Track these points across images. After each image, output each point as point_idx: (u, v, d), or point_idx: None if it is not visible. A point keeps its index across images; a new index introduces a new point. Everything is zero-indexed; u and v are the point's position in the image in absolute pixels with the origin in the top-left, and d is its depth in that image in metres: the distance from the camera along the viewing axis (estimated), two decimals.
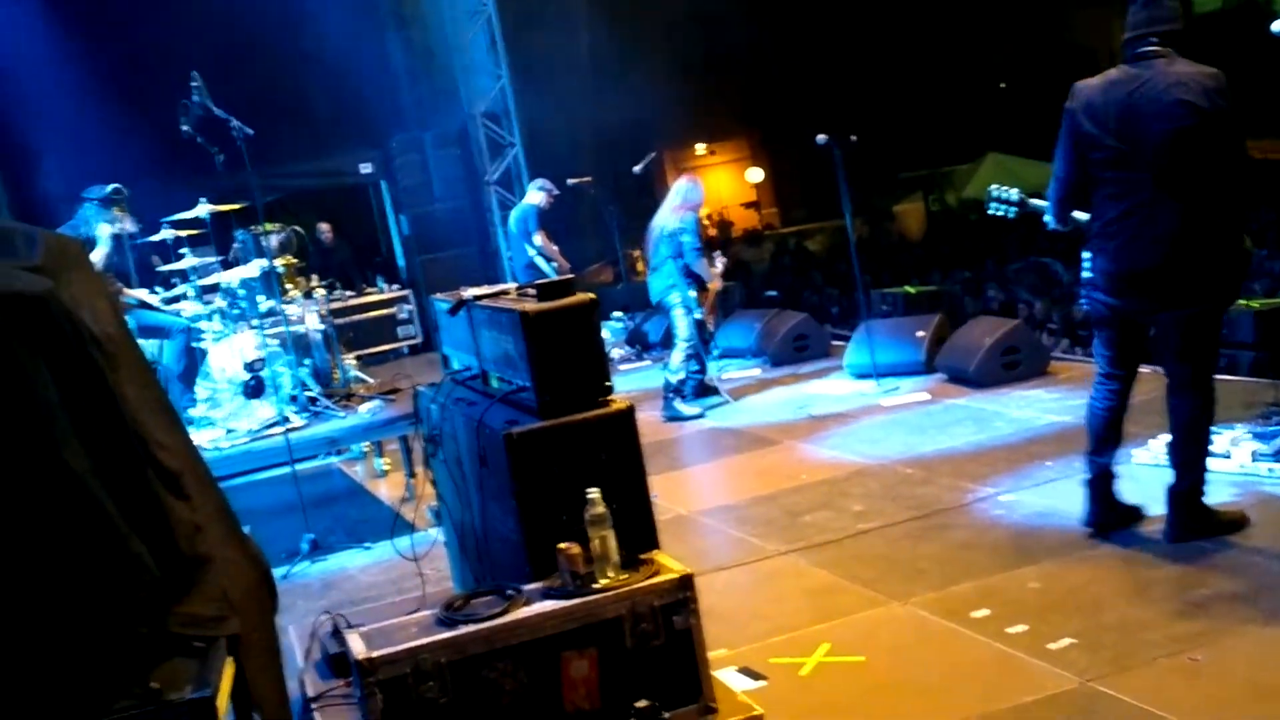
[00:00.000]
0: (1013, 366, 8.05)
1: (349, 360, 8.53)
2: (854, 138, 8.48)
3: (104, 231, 7.32)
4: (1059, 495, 5.47)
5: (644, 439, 3.67)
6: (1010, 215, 5.15)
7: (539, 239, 10.67)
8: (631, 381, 10.18)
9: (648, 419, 8.26)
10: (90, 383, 2.95)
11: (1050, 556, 4.77)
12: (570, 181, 11.45)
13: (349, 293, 13.27)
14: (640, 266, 13.02)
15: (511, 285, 4.29)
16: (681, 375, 8.63)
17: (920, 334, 8.86)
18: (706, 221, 8.92)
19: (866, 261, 9.31)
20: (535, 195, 10.89)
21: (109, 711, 2.76)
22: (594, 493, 3.26)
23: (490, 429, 3.66)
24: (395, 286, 13.87)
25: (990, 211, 5.18)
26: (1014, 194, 5.12)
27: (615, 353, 11.38)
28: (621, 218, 11.57)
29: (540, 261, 10.65)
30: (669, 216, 8.63)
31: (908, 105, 23.75)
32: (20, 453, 2.81)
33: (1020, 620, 4.19)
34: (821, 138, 8.34)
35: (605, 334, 8.95)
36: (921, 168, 26.13)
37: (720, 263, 9.10)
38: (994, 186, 5.23)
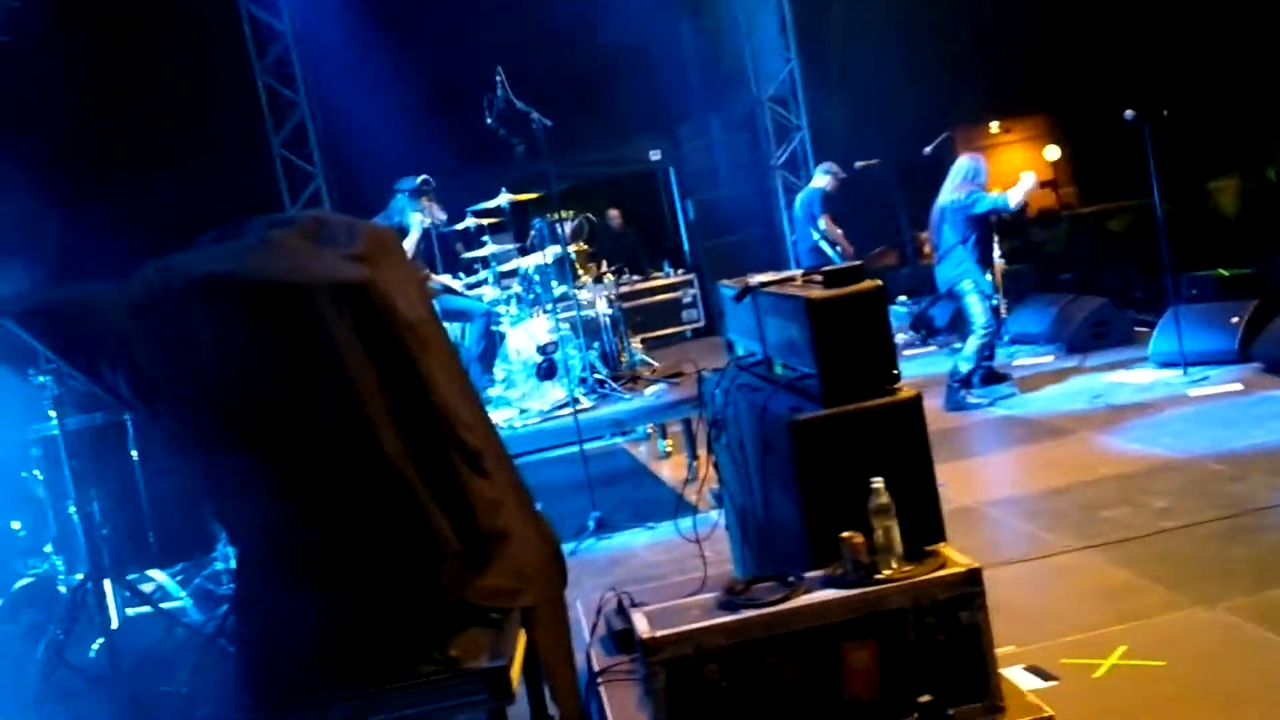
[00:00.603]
0: None
1: (635, 343, 8.72)
2: (1165, 111, 7.98)
3: (415, 220, 7.77)
4: None
5: (930, 427, 3.60)
6: None
7: (824, 223, 10.59)
8: (917, 367, 9.98)
9: (933, 407, 8.07)
10: (404, 365, 3.13)
11: None
12: (857, 165, 11.30)
13: (636, 277, 13.55)
14: (927, 249, 12.71)
15: (797, 272, 4.27)
16: (972, 365, 8.37)
17: (1234, 320, 8.27)
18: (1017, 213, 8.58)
19: (1175, 242, 8.74)
20: (821, 179, 10.82)
21: (413, 676, 2.94)
22: (878, 482, 3.22)
23: (774, 415, 3.67)
24: (681, 271, 14.06)
25: None
26: None
27: (900, 337, 11.17)
28: (909, 201, 11.33)
29: (825, 246, 10.57)
30: (950, 196, 8.38)
31: (1225, 75, 22.12)
32: (339, 430, 3.02)
33: None
34: (1129, 113, 7.89)
35: (889, 318, 8.79)
36: (1240, 141, 24.29)
37: (998, 250, 8.76)
38: None
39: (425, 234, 7.99)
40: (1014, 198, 8.19)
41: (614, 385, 7.51)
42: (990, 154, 9.54)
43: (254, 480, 3.01)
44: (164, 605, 5.29)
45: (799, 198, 11.11)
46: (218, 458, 3.03)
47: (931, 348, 11.08)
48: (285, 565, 3.01)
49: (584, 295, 8.00)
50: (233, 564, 5.23)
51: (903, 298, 12.10)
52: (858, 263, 3.86)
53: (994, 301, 8.33)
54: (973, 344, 8.34)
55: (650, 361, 8.60)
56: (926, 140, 10.68)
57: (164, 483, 5.01)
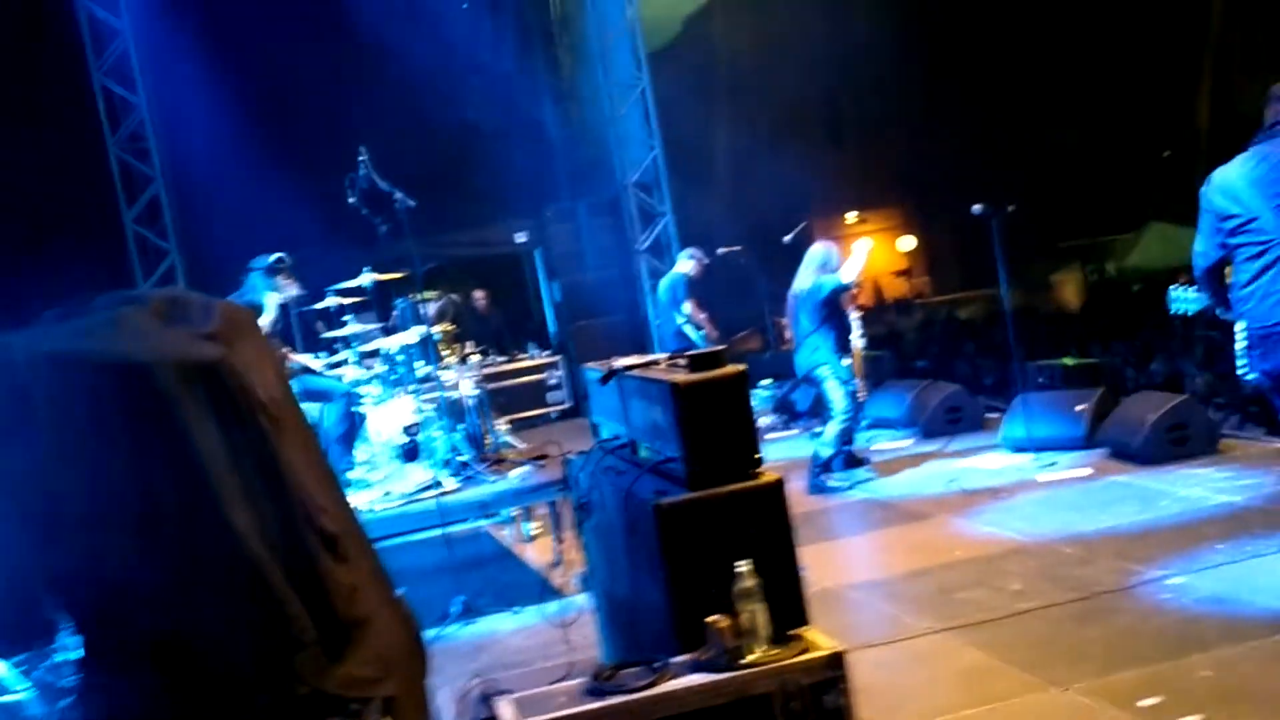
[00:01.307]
0: (1180, 443, 7.74)
1: (500, 425, 8.66)
2: (1011, 207, 8.32)
3: (270, 300, 7.62)
4: (1231, 580, 5.21)
5: (793, 510, 3.63)
6: (1191, 313, 5.08)
7: (688, 307, 10.72)
8: (779, 451, 10.08)
9: (796, 490, 8.16)
10: (257, 446, 3.04)
11: (1224, 643, 4.53)
12: (720, 250, 11.51)
13: (502, 358, 13.52)
14: (788, 334, 12.96)
15: (662, 355, 4.31)
16: (833, 450, 8.50)
17: (1080, 407, 8.58)
18: (856, 290, 8.76)
19: (1022, 331, 9.07)
20: (685, 264, 10.97)
21: None
22: (744, 565, 3.23)
23: (639, 499, 3.67)
24: (546, 353, 14.09)
25: (1173, 312, 5.11)
26: (1193, 296, 5.07)
27: (763, 421, 11.31)
28: (771, 287, 11.55)
29: (689, 330, 10.70)
30: (806, 280, 8.55)
31: (1067, 174, 23.26)
32: (189, 513, 2.92)
33: (1193, 710, 3.99)
34: (977, 208, 8.20)
35: (752, 402, 8.91)
36: (1081, 237, 25.50)
37: (859, 326, 8.97)
38: (1174, 288, 5.16)
39: (283, 311, 7.85)
40: (847, 272, 8.42)
41: (479, 467, 7.43)
42: (846, 243, 9.79)
43: (97, 566, 2.89)
44: (2, 699, 5.00)
45: (663, 282, 11.25)
46: (57, 543, 2.90)
47: (794, 431, 11.23)
48: (133, 655, 2.88)
49: (448, 376, 7.92)
50: (76, 654, 4.97)
51: (766, 381, 12.28)
52: (721, 347, 3.92)
53: (852, 387, 8.49)
54: (832, 429, 8.48)
55: (516, 444, 8.54)
56: (787, 228, 10.94)
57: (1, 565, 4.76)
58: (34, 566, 2.98)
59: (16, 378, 2.91)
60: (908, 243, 30.34)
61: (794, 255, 9.37)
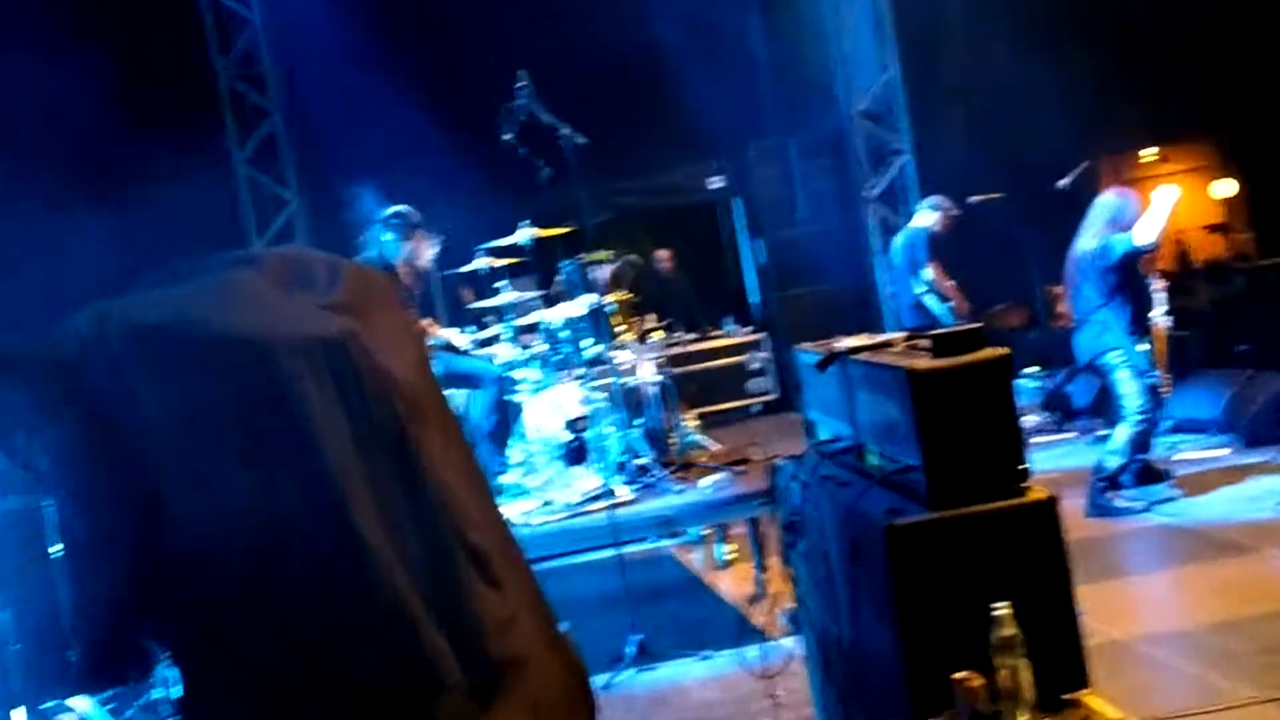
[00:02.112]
0: None
1: (688, 421, 8.72)
2: None
3: (405, 260, 7.84)
4: None
5: (1069, 537, 3.56)
6: None
7: (930, 272, 10.59)
8: (1050, 459, 9.90)
9: (1073, 510, 8.00)
10: (394, 444, 3.13)
11: None
12: (974, 199, 11.33)
13: (691, 335, 13.62)
14: (1062, 308, 12.66)
15: (897, 335, 4.27)
16: (1123, 461, 8.27)
17: None
18: (1158, 252, 8.49)
19: None
20: (927, 217, 10.85)
21: None
22: (1002, 609, 3.17)
23: (866, 519, 3.64)
24: (747, 330, 14.14)
25: None
26: None
27: (1028, 420, 11.11)
28: (1041, 246, 11.31)
29: (931, 301, 10.58)
30: (1091, 240, 8.34)
31: None
32: (310, 524, 3.01)
33: None
34: None
35: (1016, 396, 8.75)
36: None
37: (1161, 299, 8.70)
38: None
39: (420, 278, 8.05)
40: (1145, 229, 8.11)
41: (661, 473, 7.50)
42: (1143, 190, 9.49)
43: (201, 586, 3.01)
44: None
45: (898, 240, 11.15)
46: (155, 555, 3.03)
47: (1069, 434, 11.01)
48: (242, 694, 2.99)
49: (624, 358, 8.03)
50: (176, 691, 5.22)
51: (1032, 369, 12.06)
52: (975, 324, 3.85)
53: (1151, 379, 8.25)
54: (1124, 433, 8.26)
55: (708, 444, 8.59)
56: (1063, 170, 10.69)
57: (90, 585, 5.01)
58: (127, 584, 3.13)
59: (110, 354, 3.04)
60: (1224, 188, 29.28)
61: (1073, 206, 9.15)
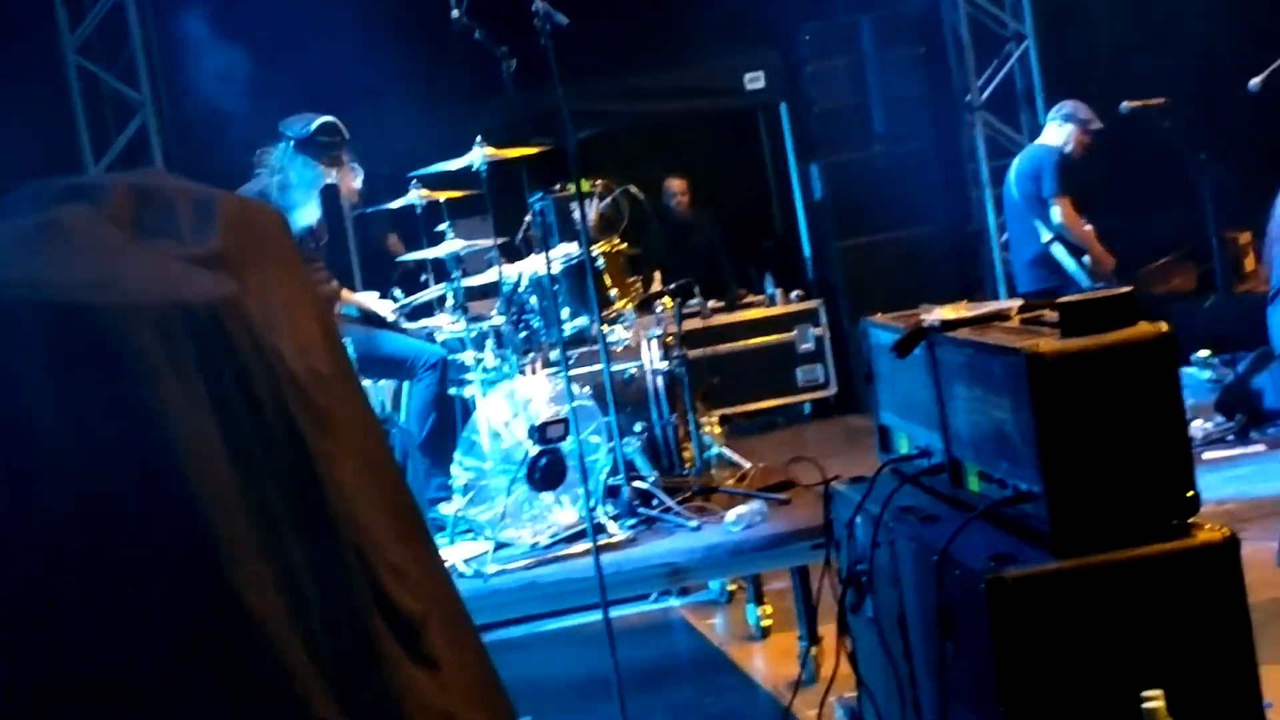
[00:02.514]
0: None
1: (709, 427, 8.69)
2: None
3: (311, 195, 7.82)
4: None
5: (1255, 596, 3.57)
6: None
7: (1061, 211, 10.53)
8: (1228, 482, 9.86)
9: (1260, 556, 7.98)
10: (283, 456, 3.13)
11: None
12: (1125, 106, 11.30)
13: (713, 304, 13.56)
14: (1250, 265, 12.58)
15: (1010, 303, 4.27)
16: None
17: None
18: None
19: None
20: (1057, 132, 10.80)
21: None
22: (1155, 698, 3.18)
23: (963, 569, 3.65)
24: (795, 295, 14.05)
25: None
26: None
27: (1197, 426, 11.08)
28: (1221, 173, 11.28)
29: (1061, 254, 10.53)
30: None
31: None
32: (159, 564, 3.01)
33: None
34: None
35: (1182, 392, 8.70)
36: None
37: None
38: None
39: (334, 215, 8.03)
40: None
41: (668, 501, 7.49)
42: None
43: (14, 641, 3.01)
44: None
45: (1015, 166, 11.11)
46: None
47: (1256, 447, 10.97)
48: None
49: (619, 334, 8.01)
50: None
51: (1203, 353, 12.03)
52: (1125, 288, 3.84)
53: None
54: None
55: (736, 459, 8.57)
56: (1252, 66, 10.63)
57: None
58: None
59: None
60: None
61: (1268, 119, 9.12)
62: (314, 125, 7.84)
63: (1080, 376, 3.56)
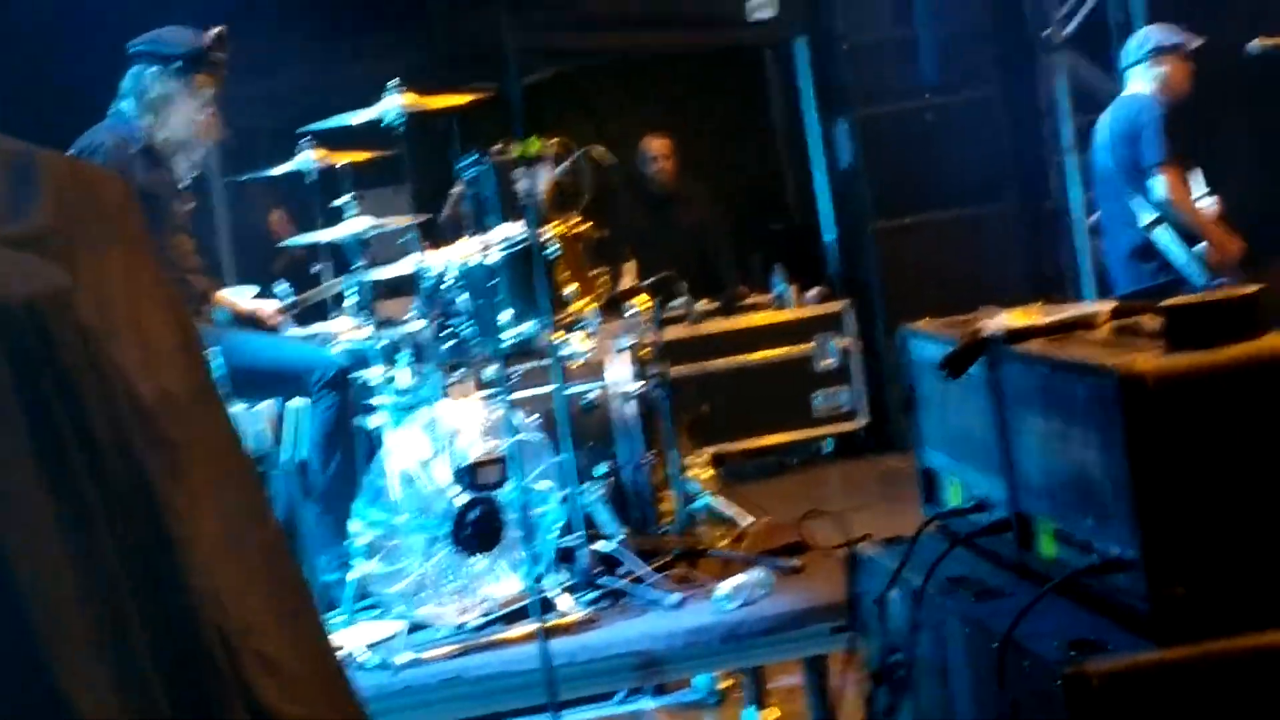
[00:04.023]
0: None
1: (696, 469, 8.71)
2: None
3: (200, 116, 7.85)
4: None
5: None
6: None
7: (1164, 184, 10.49)
8: None
9: None
10: (122, 499, 3.13)
11: None
12: (1255, 46, 11.32)
13: (704, 305, 13.58)
14: None
15: (1098, 306, 4.27)
16: None
17: None
18: None
19: None
20: (1147, 75, 10.72)
21: None
22: None
23: (1032, 659, 3.66)
24: (814, 293, 14.07)
25: None
26: None
27: None
28: None
29: (1165, 238, 10.52)
30: None
31: None
32: None
33: None
34: None
35: None
36: None
37: None
38: None
39: (200, 178, 8.05)
40: None
41: (641, 568, 7.51)
42: None
43: None
44: None
45: (1104, 122, 11.10)
46: None
47: None
48: None
49: (578, 345, 8.02)
50: None
51: None
52: (1252, 287, 3.85)
53: None
54: None
55: (732, 515, 8.59)
56: None
57: None
58: None
59: None
60: None
61: None
62: (186, 40, 7.85)
63: (1191, 405, 3.56)
